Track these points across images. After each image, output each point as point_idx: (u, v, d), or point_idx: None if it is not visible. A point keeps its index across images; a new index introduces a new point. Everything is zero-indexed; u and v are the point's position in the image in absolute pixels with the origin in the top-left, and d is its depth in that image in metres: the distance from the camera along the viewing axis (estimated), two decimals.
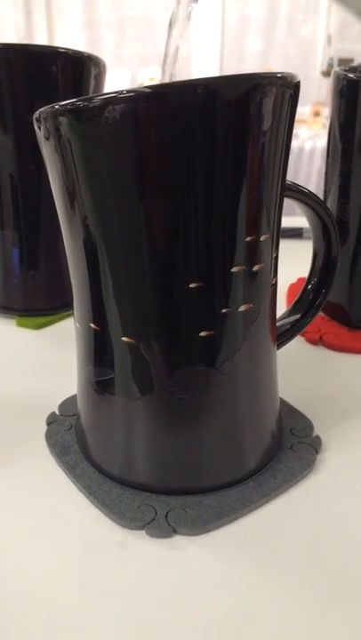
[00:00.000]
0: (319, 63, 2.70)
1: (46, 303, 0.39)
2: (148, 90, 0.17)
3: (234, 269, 0.20)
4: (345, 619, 0.18)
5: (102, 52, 2.56)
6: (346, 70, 0.32)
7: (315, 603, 0.19)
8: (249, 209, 0.19)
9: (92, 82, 0.35)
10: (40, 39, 2.64)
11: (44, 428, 0.27)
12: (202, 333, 0.20)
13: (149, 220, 0.18)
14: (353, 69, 0.32)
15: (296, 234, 0.56)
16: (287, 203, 0.25)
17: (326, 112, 2.18)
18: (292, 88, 0.19)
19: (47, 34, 2.68)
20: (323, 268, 0.27)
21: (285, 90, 0.19)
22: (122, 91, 0.17)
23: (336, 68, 0.32)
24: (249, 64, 2.69)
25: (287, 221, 0.58)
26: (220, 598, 0.19)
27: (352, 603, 0.19)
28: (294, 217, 0.50)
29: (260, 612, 0.18)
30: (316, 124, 2.24)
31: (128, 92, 0.17)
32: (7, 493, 0.23)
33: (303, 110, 2.33)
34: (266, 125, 0.18)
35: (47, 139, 0.19)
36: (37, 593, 0.19)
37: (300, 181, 0.24)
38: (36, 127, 0.20)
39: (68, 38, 2.66)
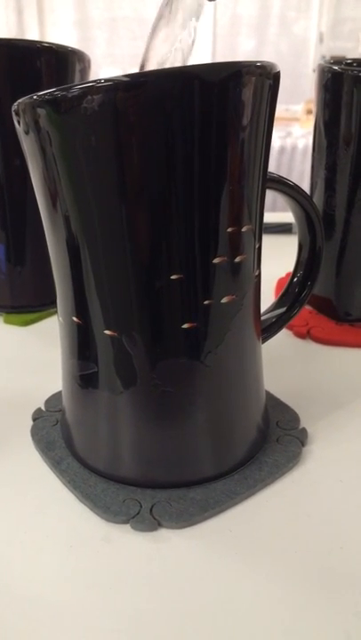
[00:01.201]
0: (311, 61, 2.70)
1: (33, 299, 0.39)
2: (126, 79, 0.17)
3: (216, 260, 0.20)
4: (330, 609, 0.18)
5: (94, 51, 2.57)
6: (331, 63, 0.32)
7: (300, 594, 0.19)
8: (230, 199, 0.19)
9: (77, 76, 0.35)
10: (31, 38, 2.63)
11: (30, 423, 0.27)
12: (184, 325, 0.20)
13: (130, 211, 0.18)
14: (338, 62, 0.32)
15: (285, 229, 0.56)
16: (278, 198, 0.25)
17: None
18: (272, 78, 0.19)
19: (39, 33, 2.67)
20: (308, 260, 0.27)
21: (265, 79, 0.19)
22: (100, 80, 0.17)
23: (320, 62, 0.32)
24: None
25: (276, 216, 0.58)
26: (205, 591, 0.19)
27: (337, 593, 0.19)
28: (284, 212, 0.50)
29: (245, 604, 0.18)
30: (308, 122, 2.24)
31: (106, 81, 0.17)
32: None
33: (296, 108, 2.34)
34: (245, 114, 0.18)
35: (27, 133, 0.19)
36: (21, 587, 0.19)
37: (294, 179, 0.24)
38: (15, 121, 0.20)
39: (60, 37, 2.66)
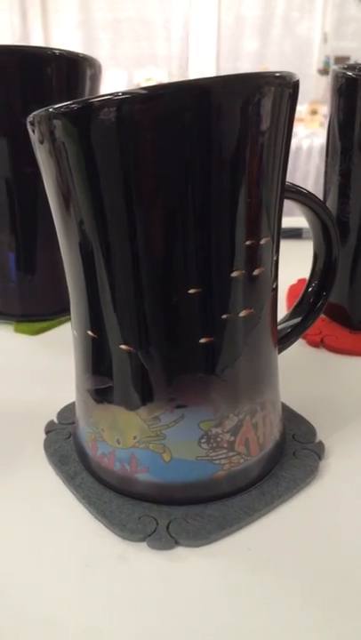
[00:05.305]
0: (315, 61, 2.69)
1: (44, 308, 0.39)
2: (143, 91, 0.17)
3: (234, 274, 0.19)
4: (352, 630, 0.18)
5: (98, 52, 2.56)
6: (344, 68, 0.31)
7: (320, 614, 0.18)
8: (249, 212, 0.19)
9: (88, 83, 0.35)
10: (36, 40, 2.63)
11: (43, 436, 0.26)
12: (202, 340, 0.20)
13: (147, 224, 0.18)
14: (351, 67, 0.31)
15: (295, 234, 0.56)
16: (286, 203, 0.25)
17: (323, 110, 2.18)
18: (291, 87, 0.19)
19: (43, 35, 2.67)
20: (323, 270, 0.27)
21: (284, 89, 0.18)
22: (117, 92, 0.17)
23: (334, 67, 0.32)
24: (245, 63, 2.68)
25: (286, 222, 0.58)
26: (223, 611, 0.18)
27: (359, 612, 0.18)
28: (293, 217, 0.49)
29: (263, 624, 0.18)
30: (313, 123, 2.23)
31: (124, 93, 0.17)
32: (5, 504, 0.23)
33: (300, 109, 2.33)
34: (265, 126, 0.18)
35: (41, 142, 0.19)
36: (36, 607, 0.19)
37: (298, 180, 0.23)
38: (30, 131, 0.19)
39: (64, 39, 2.65)
